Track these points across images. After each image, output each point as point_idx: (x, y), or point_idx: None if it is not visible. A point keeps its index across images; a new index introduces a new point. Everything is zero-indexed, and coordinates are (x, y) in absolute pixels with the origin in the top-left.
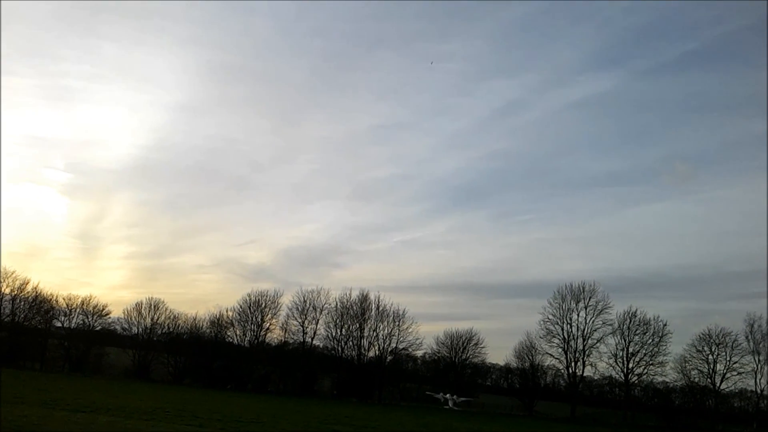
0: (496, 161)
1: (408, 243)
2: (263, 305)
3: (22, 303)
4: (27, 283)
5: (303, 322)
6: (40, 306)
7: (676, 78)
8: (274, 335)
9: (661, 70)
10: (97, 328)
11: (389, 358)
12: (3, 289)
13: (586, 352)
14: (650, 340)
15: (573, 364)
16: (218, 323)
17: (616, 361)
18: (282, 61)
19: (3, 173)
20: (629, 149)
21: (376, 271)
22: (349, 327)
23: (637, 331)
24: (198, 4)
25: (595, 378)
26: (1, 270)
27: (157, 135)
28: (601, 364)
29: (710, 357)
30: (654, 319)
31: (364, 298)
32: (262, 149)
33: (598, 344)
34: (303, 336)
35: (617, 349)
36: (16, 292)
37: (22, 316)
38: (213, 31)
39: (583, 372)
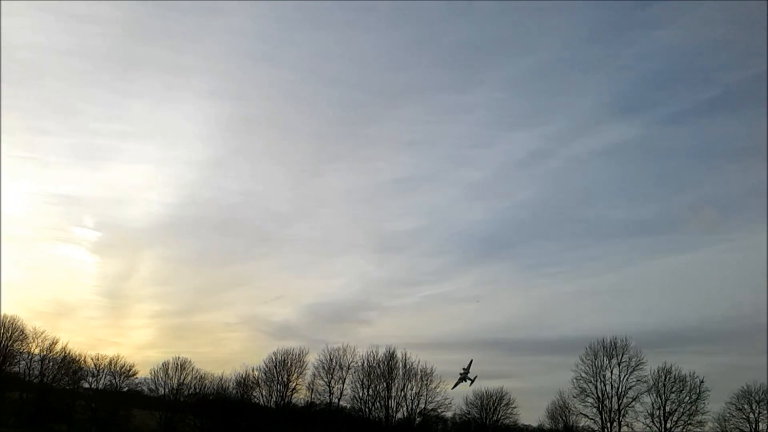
0: (521, 211)
1: (434, 297)
2: (289, 364)
3: (51, 363)
4: (56, 343)
5: (329, 382)
6: (69, 366)
7: (700, 124)
8: (301, 395)
9: (683, 116)
10: (125, 389)
11: (418, 419)
12: (32, 350)
13: (622, 412)
14: (687, 398)
15: (608, 424)
16: (244, 383)
17: (653, 421)
18: (305, 114)
19: (34, 233)
20: (655, 197)
21: (402, 327)
22: (376, 387)
23: (674, 389)
24: (222, 58)
25: None
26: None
27: (184, 191)
28: (637, 425)
29: (751, 415)
30: (690, 375)
31: (390, 356)
32: (286, 203)
33: (633, 403)
34: (330, 396)
35: (653, 408)
36: (45, 352)
37: (51, 376)
38: (237, 84)
39: None
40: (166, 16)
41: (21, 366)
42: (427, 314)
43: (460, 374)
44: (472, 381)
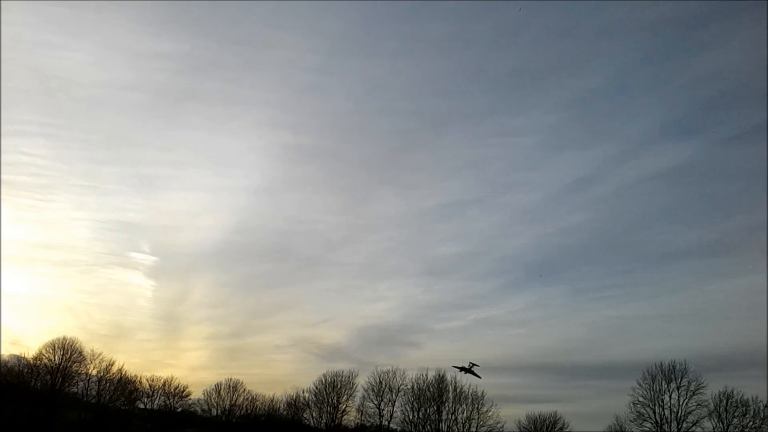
0: (572, 235)
1: (483, 321)
2: (339, 386)
3: (108, 384)
4: (113, 365)
5: (379, 404)
6: (125, 387)
7: (756, 145)
8: (351, 417)
9: (742, 137)
10: (179, 410)
11: None
12: (90, 371)
13: None
14: (751, 423)
15: None
16: (295, 404)
17: None
18: (353, 141)
19: (94, 258)
20: (712, 220)
21: (451, 350)
22: (426, 410)
23: (736, 413)
24: (275, 89)
25: None
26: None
27: (236, 218)
28: None
29: None
30: (753, 400)
31: (440, 379)
32: (335, 228)
33: (693, 428)
34: (380, 418)
35: None
36: (102, 373)
37: (107, 397)
38: (289, 114)
39: None
40: (220, 50)
41: (79, 387)
42: (477, 338)
43: (464, 371)
44: (474, 364)
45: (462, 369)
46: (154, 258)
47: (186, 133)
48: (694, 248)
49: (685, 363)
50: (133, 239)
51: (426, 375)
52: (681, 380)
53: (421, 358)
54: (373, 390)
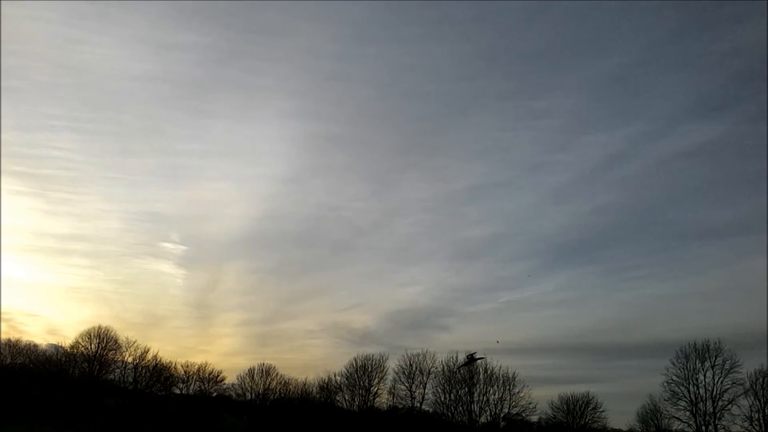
0: (603, 215)
1: (515, 303)
2: (370, 369)
3: (144, 371)
4: (147, 352)
5: (410, 387)
6: (160, 373)
7: None
8: (383, 400)
9: None
10: (213, 394)
11: (503, 423)
12: (126, 358)
13: (717, 415)
14: None
15: (704, 428)
16: (327, 388)
17: (751, 424)
18: (377, 127)
19: (126, 249)
20: (746, 197)
21: (482, 333)
22: (457, 392)
23: None
24: (300, 77)
25: None
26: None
27: (264, 206)
28: (735, 428)
29: None
30: None
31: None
32: (363, 214)
33: (729, 406)
34: (411, 400)
35: (752, 411)
36: (137, 360)
37: (144, 383)
38: (314, 102)
39: None
40: (242, 39)
41: (116, 374)
42: (508, 320)
43: (467, 363)
44: (473, 353)
45: (465, 364)
46: (183, 247)
47: (210, 123)
48: (725, 226)
49: (719, 341)
50: (163, 229)
51: (456, 357)
52: (715, 359)
53: (452, 342)
54: (404, 373)
